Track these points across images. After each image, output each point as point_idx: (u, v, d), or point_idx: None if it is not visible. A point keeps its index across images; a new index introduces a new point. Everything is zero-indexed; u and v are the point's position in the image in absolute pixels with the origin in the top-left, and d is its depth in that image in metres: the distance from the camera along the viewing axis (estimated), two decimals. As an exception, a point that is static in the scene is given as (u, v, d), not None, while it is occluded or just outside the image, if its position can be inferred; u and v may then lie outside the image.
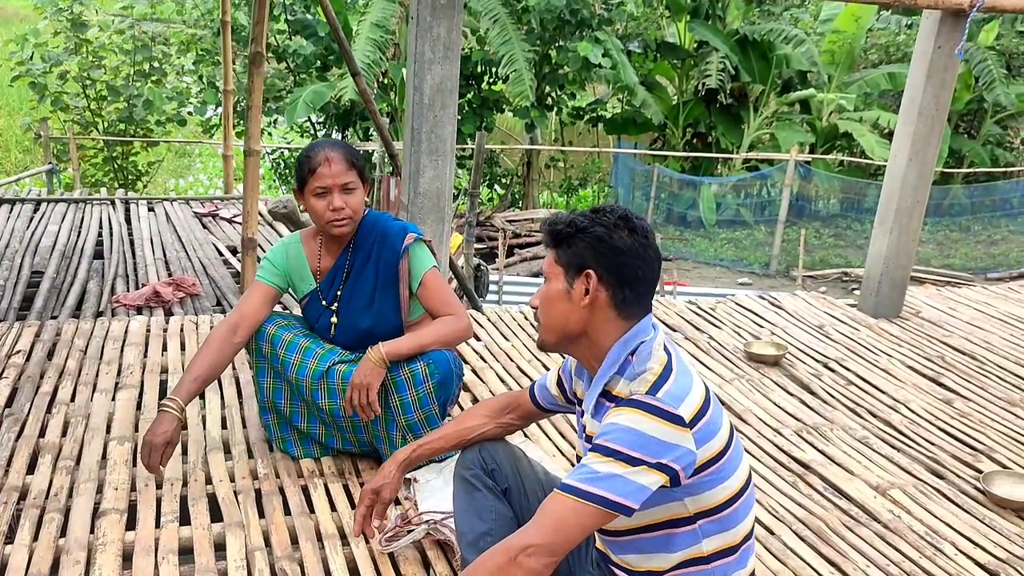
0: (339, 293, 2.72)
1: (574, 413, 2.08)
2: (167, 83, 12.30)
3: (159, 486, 2.56)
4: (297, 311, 3.22)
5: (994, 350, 4.15)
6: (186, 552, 2.28)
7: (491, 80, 12.94)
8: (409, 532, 2.35)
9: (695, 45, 14.22)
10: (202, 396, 3.01)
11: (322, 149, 2.58)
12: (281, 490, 2.60)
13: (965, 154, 14.58)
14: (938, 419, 3.39)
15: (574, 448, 2.96)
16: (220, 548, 2.30)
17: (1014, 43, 14.32)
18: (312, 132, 13.50)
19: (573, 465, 2.84)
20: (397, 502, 2.56)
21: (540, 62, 12.25)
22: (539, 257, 10.74)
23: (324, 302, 2.73)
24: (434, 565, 2.27)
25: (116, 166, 12.03)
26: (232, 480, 2.63)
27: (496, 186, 13.89)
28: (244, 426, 2.96)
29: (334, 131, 13.47)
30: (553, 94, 12.79)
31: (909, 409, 3.46)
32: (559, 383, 2.07)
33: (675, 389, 1.68)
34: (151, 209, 6.60)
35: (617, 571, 1.86)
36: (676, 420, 1.64)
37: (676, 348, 1.81)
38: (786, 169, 12.40)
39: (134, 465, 2.66)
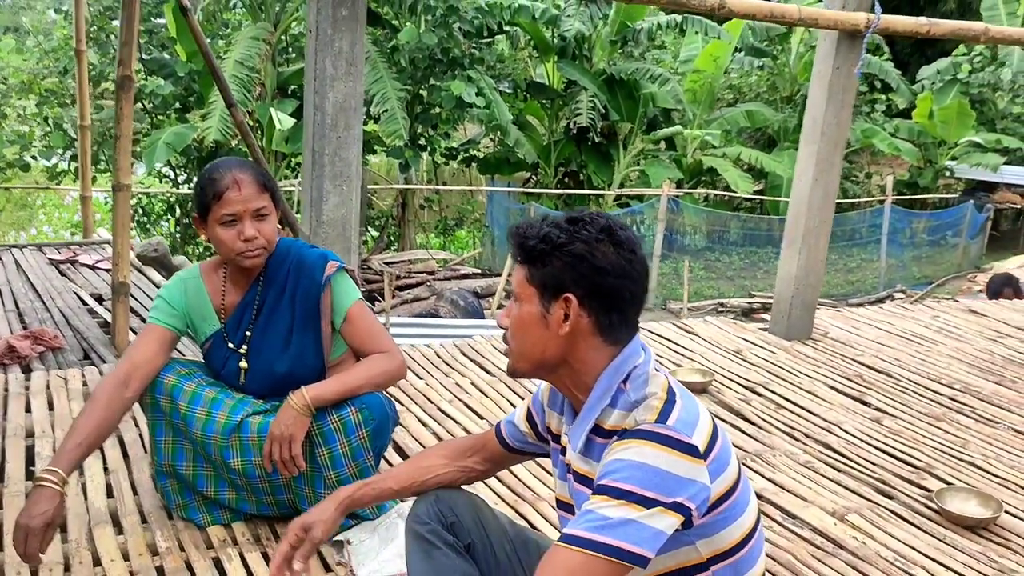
0: (249, 333, 2.36)
1: (547, 455, 1.83)
2: (7, 126, 11.34)
3: (34, 574, 2.13)
4: (187, 354, 2.82)
5: (905, 367, 4.16)
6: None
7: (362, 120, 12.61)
8: (351, 605, 2.02)
9: (563, 85, 14.41)
10: (82, 462, 2.56)
11: (229, 170, 2.22)
12: (188, 565, 2.22)
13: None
14: (873, 439, 3.31)
15: (513, 492, 2.69)
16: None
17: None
18: (172, 177, 12.77)
19: (519, 513, 2.58)
20: (327, 568, 2.23)
21: (412, 101, 12.05)
22: (420, 299, 10.43)
23: (231, 344, 2.37)
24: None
25: (-52, 217, 10.98)
26: (126, 558, 2.22)
27: (371, 228, 13.53)
28: (135, 492, 2.53)
29: (195, 176, 12.79)
30: (426, 134, 12.60)
31: (843, 430, 3.37)
32: (529, 418, 1.81)
33: (685, 415, 1.47)
34: (-4, 258, 5.91)
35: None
36: (691, 451, 1.43)
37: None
38: (656, 205, 12.63)
39: (1, 550, 2.21)
